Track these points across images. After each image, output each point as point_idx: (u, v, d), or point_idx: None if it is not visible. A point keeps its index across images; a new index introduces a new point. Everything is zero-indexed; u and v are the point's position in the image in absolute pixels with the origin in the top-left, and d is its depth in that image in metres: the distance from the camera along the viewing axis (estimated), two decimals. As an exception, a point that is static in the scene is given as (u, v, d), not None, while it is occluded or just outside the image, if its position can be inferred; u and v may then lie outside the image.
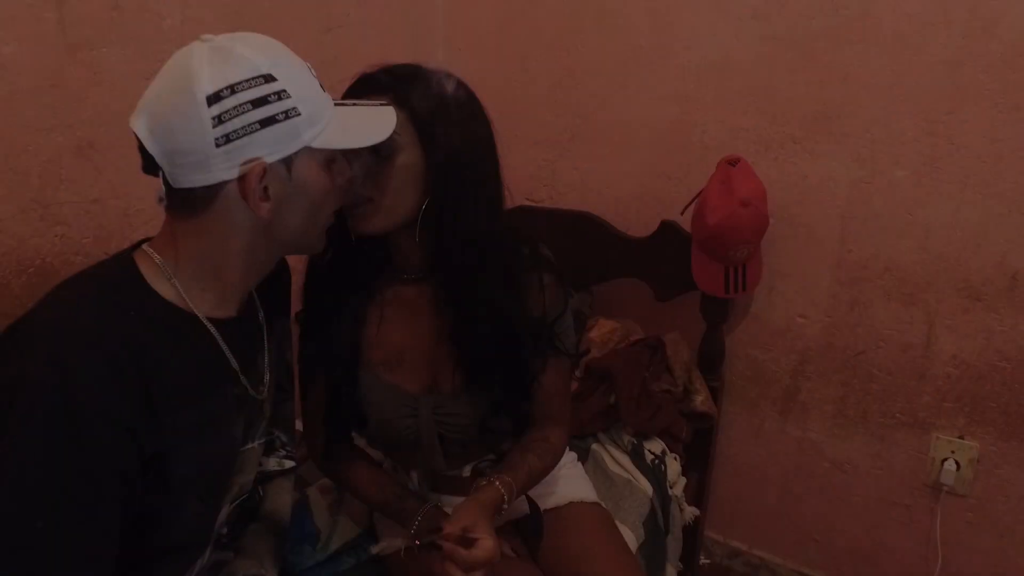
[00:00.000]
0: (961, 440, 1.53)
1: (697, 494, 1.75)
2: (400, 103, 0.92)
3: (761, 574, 1.89)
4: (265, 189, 0.75)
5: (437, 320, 1.05)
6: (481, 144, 1.00)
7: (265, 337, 0.91)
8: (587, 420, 1.55)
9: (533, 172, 1.87)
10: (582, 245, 1.75)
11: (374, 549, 1.19)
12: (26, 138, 1.17)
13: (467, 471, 1.14)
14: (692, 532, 1.83)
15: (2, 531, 0.65)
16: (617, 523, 1.26)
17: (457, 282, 1.00)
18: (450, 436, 1.06)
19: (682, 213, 1.61)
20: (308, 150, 0.77)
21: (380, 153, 0.90)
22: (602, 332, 1.74)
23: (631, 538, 1.27)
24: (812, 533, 1.79)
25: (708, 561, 1.96)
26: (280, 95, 0.73)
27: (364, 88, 0.95)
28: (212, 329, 0.81)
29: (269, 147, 0.74)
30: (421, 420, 1.05)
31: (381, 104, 0.90)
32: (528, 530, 1.11)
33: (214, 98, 0.70)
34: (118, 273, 0.78)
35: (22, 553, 0.65)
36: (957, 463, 1.53)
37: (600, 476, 1.44)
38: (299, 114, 0.75)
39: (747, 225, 1.47)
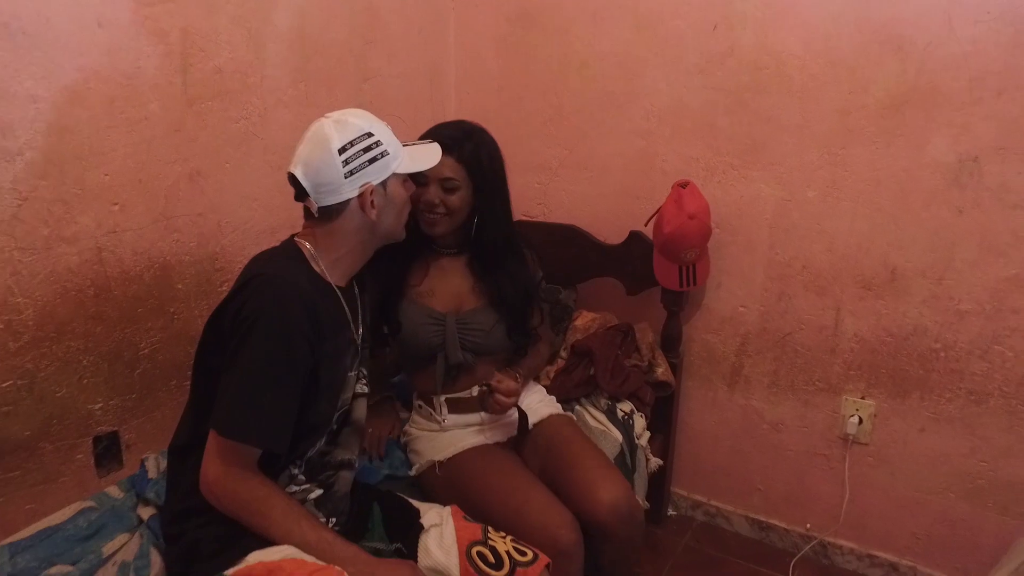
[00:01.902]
0: (863, 400, 1.95)
1: (663, 452, 2.16)
2: (458, 158, 1.46)
3: (717, 521, 2.29)
4: (372, 202, 1.23)
5: (462, 276, 1.61)
6: (502, 176, 1.59)
7: (359, 302, 1.37)
8: (571, 388, 1.96)
9: (529, 193, 2.30)
10: (569, 251, 2.18)
11: (412, 472, 1.60)
12: (158, 169, 1.59)
13: (474, 391, 1.58)
14: (660, 487, 2.24)
15: (246, 396, 1.12)
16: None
17: (490, 255, 1.57)
18: (468, 340, 1.56)
19: (646, 225, 2.04)
20: (394, 174, 1.27)
21: (446, 187, 1.47)
22: (585, 321, 2.16)
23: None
24: (756, 483, 2.20)
25: (675, 512, 2.36)
26: (377, 143, 1.23)
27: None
28: (338, 293, 1.27)
29: (374, 175, 1.24)
30: (447, 328, 1.55)
31: (429, 142, 1.41)
32: (518, 431, 1.60)
33: (342, 149, 1.18)
34: (294, 254, 1.26)
35: (256, 408, 1.13)
36: (860, 418, 1.95)
37: (582, 427, 1.85)
38: (388, 153, 1.25)
39: (694, 234, 1.90)
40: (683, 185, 1.94)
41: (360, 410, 1.35)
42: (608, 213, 2.19)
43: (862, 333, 1.91)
